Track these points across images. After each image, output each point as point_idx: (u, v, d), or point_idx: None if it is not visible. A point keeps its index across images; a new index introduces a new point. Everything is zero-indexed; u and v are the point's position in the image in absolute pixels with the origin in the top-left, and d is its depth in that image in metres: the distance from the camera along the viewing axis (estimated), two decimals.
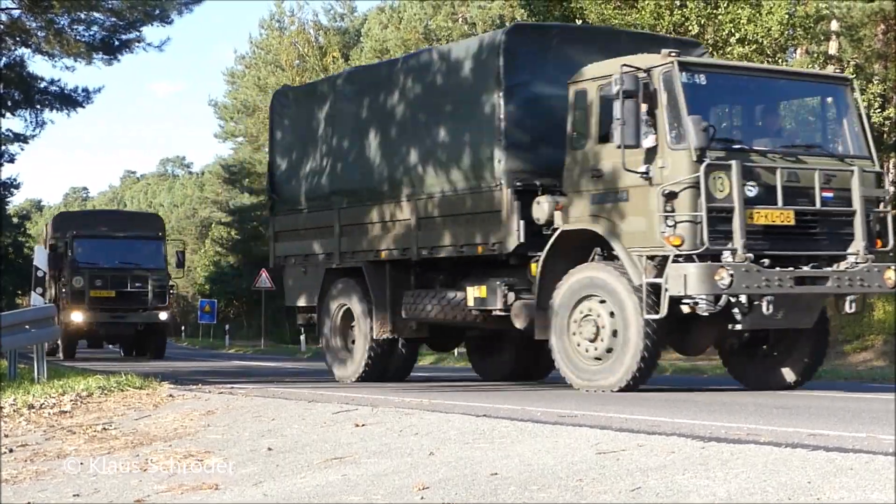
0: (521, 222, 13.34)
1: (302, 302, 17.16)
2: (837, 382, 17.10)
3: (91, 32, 24.57)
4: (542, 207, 13.13)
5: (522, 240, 13.35)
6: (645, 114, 11.96)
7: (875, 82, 29.65)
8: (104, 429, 10.53)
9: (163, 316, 30.77)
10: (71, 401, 12.64)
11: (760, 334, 13.19)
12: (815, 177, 12.22)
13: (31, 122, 26.73)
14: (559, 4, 29.26)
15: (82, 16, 24.05)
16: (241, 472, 7.68)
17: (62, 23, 23.76)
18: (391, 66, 16.83)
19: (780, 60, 28.82)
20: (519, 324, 13.57)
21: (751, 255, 11.68)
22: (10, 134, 29.68)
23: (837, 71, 14.55)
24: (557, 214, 12.99)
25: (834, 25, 33.84)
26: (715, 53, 28.13)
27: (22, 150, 30.59)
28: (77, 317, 29.52)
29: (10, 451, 9.52)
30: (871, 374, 19.11)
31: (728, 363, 14.27)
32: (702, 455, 6.32)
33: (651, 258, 12.03)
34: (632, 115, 11.86)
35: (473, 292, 14.07)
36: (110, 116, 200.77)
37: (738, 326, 12.20)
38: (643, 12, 27.83)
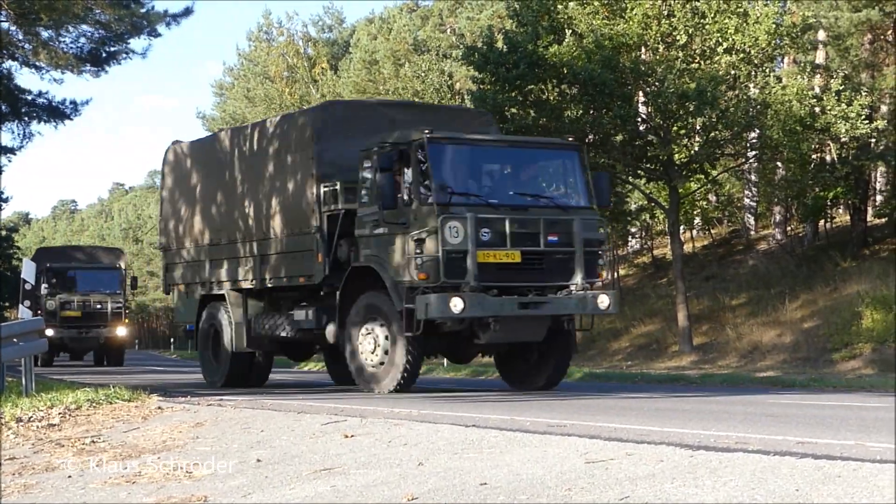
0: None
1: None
2: (826, 390, 17.15)
3: (79, 44, 24.54)
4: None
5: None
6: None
7: (863, 94, 29.72)
8: (93, 442, 10.50)
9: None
10: (59, 414, 12.60)
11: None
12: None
13: (18, 134, 26.68)
14: (547, 16, 29.33)
15: (70, 28, 24.02)
16: (230, 484, 7.66)
17: (49, 35, 23.73)
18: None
19: (767, 69, 28.90)
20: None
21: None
22: None
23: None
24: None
25: (821, 35, 33.98)
26: (702, 63, 28.22)
27: (10, 161, 30.54)
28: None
29: None
30: (859, 383, 19.14)
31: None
32: (690, 463, 6.33)
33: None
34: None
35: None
36: (99, 129, 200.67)
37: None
38: (631, 23, 27.90)
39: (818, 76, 33.18)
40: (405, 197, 14.98)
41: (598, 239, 15.61)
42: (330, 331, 16.43)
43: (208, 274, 19.45)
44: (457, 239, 14.42)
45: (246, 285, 18.49)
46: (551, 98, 28.84)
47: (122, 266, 38.90)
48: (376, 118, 17.31)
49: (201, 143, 20.93)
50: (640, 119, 29.63)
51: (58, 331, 34.98)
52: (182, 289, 20.58)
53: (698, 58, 28.37)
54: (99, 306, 36.56)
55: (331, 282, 16.39)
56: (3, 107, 25.69)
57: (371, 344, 15.55)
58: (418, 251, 14.65)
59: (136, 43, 28.18)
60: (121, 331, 36.82)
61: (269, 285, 17.95)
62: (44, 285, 35.90)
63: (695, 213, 41.16)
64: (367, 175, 15.60)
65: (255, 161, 18.31)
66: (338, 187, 16.22)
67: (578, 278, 15.10)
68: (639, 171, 30.82)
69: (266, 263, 17.90)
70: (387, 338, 15.35)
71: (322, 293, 16.82)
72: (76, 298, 36.51)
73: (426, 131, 14.96)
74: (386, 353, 15.37)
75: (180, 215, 20.47)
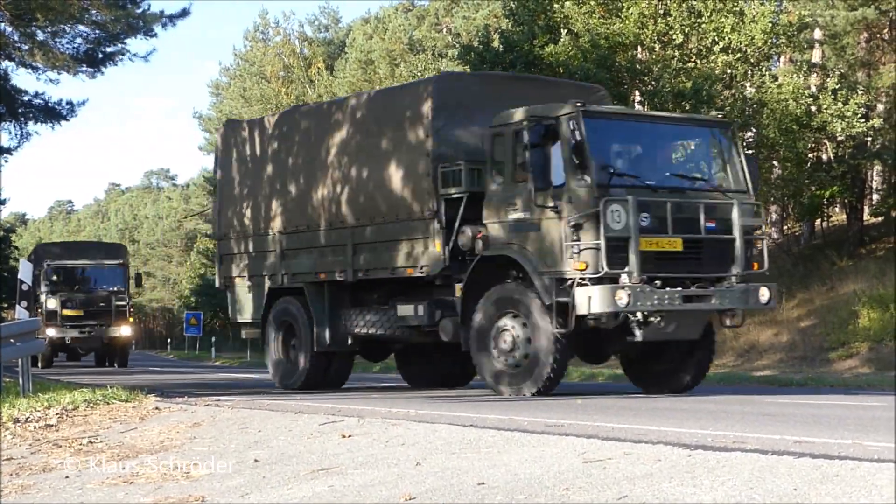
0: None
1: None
2: (823, 389, 17.16)
3: (75, 45, 24.53)
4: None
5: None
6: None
7: (859, 92, 29.74)
8: (90, 442, 10.49)
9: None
10: (56, 414, 12.59)
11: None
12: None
13: (15, 134, 26.66)
14: (543, 15, 29.35)
15: (66, 28, 24.01)
16: (228, 485, 7.66)
17: (46, 35, 23.72)
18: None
19: (763, 69, 28.92)
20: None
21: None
22: None
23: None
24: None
25: (817, 34, 33.97)
26: (699, 62, 28.23)
27: (6, 161, 30.55)
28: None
29: None
30: (856, 382, 19.17)
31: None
32: (688, 463, 6.33)
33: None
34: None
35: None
36: (95, 130, 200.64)
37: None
38: (627, 21, 27.92)
39: (814, 75, 33.22)
40: (549, 178, 13.64)
41: (755, 226, 14.56)
42: (446, 327, 15.12)
43: (280, 265, 17.82)
44: (619, 224, 13.22)
45: (331, 277, 16.95)
46: None
47: (126, 262, 37.61)
48: (495, 92, 15.94)
49: (272, 120, 18.99)
50: None
51: (59, 330, 34.20)
52: (242, 282, 18.76)
53: (694, 57, 28.39)
54: (102, 304, 35.21)
55: (447, 273, 15.14)
56: (0, 107, 25.67)
57: (508, 342, 14.12)
58: (575, 238, 13.33)
59: (138, 46, 28.17)
60: (125, 330, 35.49)
61: (364, 277, 16.45)
62: (44, 283, 34.85)
63: None
64: (501, 154, 14.39)
65: (349, 139, 16.76)
66: (462, 168, 14.85)
67: (737, 269, 13.95)
68: None
69: (360, 253, 16.45)
70: (527, 336, 13.97)
71: (436, 285, 15.45)
72: (78, 296, 35.28)
73: (577, 103, 13.73)
74: (526, 351, 14.00)
75: (242, 201, 18.75)
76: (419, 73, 46.38)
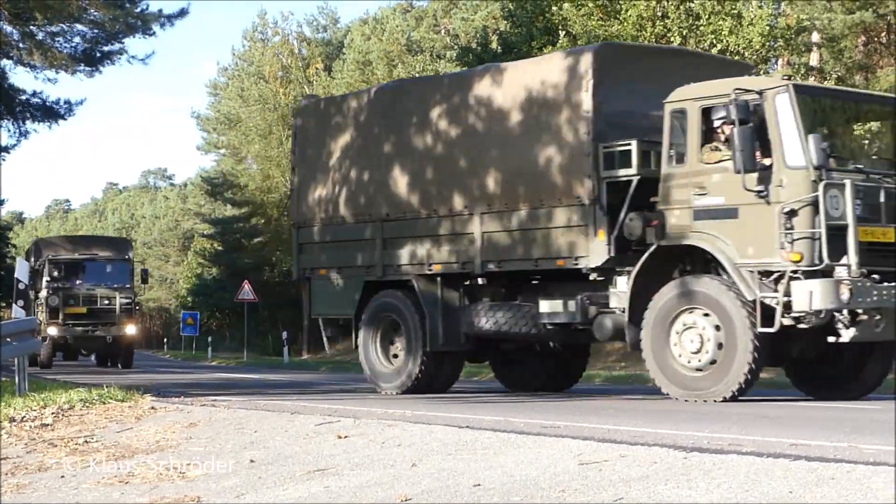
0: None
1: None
2: None
3: (73, 44, 24.53)
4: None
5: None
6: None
7: None
8: (86, 442, 10.48)
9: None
10: (52, 413, 12.57)
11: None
12: None
13: (13, 132, 26.65)
14: (542, 17, 29.36)
15: (64, 27, 24.01)
16: (224, 485, 7.65)
17: (44, 34, 23.71)
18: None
19: (761, 71, 28.92)
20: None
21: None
22: None
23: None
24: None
25: (815, 37, 33.98)
26: None
27: (3, 160, 30.49)
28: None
29: None
30: None
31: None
32: (684, 465, 6.33)
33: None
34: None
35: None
36: (92, 129, 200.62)
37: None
38: (626, 24, 27.92)
39: (812, 78, 33.22)
40: (755, 159, 12.30)
41: None
42: (603, 325, 13.80)
43: (381, 256, 16.05)
44: (837, 211, 12.03)
45: (448, 270, 15.36)
46: None
47: (131, 257, 35.93)
48: (654, 65, 14.69)
49: (368, 96, 17.20)
50: None
51: (61, 329, 32.74)
52: (328, 274, 16.87)
53: None
54: (107, 302, 33.44)
55: (607, 265, 13.69)
56: None
57: (694, 341, 12.72)
58: (788, 226, 12.05)
59: (138, 48, 28.25)
60: (130, 329, 33.69)
61: (497, 270, 14.93)
62: (45, 278, 33.29)
63: None
64: (680, 133, 13.06)
65: (475, 117, 15.20)
66: (633, 148, 13.37)
67: None
68: None
69: (492, 243, 14.85)
70: (719, 335, 12.57)
71: (588, 279, 13.96)
72: (81, 293, 33.45)
73: (784, 77, 12.67)
74: (717, 353, 12.59)
75: (330, 184, 16.87)
76: (417, 75, 46.37)
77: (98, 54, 24.83)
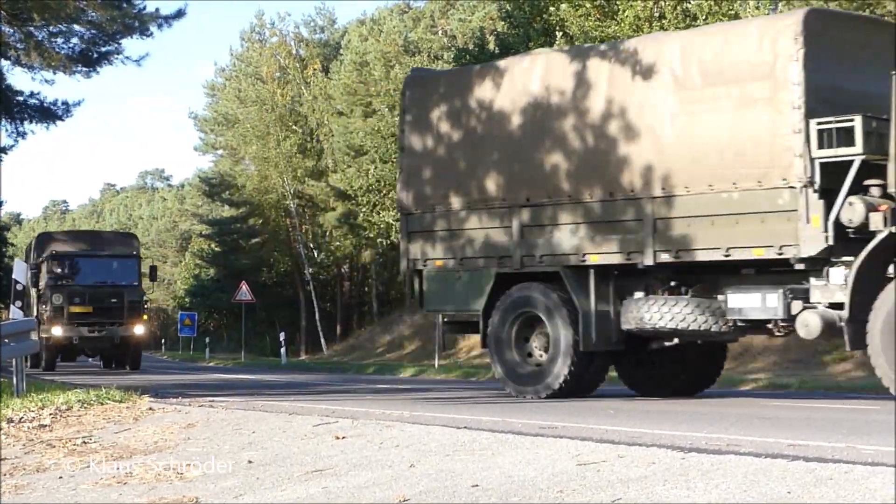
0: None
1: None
2: (817, 392, 17.16)
3: (70, 45, 24.51)
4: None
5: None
6: None
7: None
8: (84, 442, 10.48)
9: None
10: (50, 414, 12.58)
11: None
12: None
13: (11, 133, 26.63)
14: (539, 17, 29.36)
15: (62, 28, 23.99)
16: (222, 486, 7.65)
17: (41, 35, 23.70)
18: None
19: None
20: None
21: None
22: None
23: None
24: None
25: None
26: None
27: (1, 161, 30.47)
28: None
29: None
30: (851, 385, 19.16)
31: None
32: (682, 466, 6.34)
33: None
34: None
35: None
36: (90, 130, 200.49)
37: None
38: (623, 24, 27.93)
39: None
40: None
41: None
42: (809, 322, 12.43)
43: (519, 245, 14.67)
44: None
45: (608, 260, 13.99)
46: None
47: (139, 253, 34.18)
48: (863, 35, 13.52)
49: (495, 70, 15.58)
50: None
51: (66, 329, 30.89)
52: (447, 265, 15.43)
53: None
54: (114, 300, 31.49)
55: (822, 254, 12.40)
56: None
57: None
58: None
59: (133, 49, 28.24)
60: (139, 329, 31.76)
61: (674, 260, 13.50)
62: (47, 276, 31.60)
63: None
64: None
65: (644, 89, 13.80)
66: (856, 124, 12.03)
67: None
68: None
69: (667, 230, 13.48)
70: None
71: (792, 271, 12.75)
72: (87, 291, 31.49)
73: None
74: None
75: (449, 167, 15.57)
76: None
77: (95, 55, 24.82)
